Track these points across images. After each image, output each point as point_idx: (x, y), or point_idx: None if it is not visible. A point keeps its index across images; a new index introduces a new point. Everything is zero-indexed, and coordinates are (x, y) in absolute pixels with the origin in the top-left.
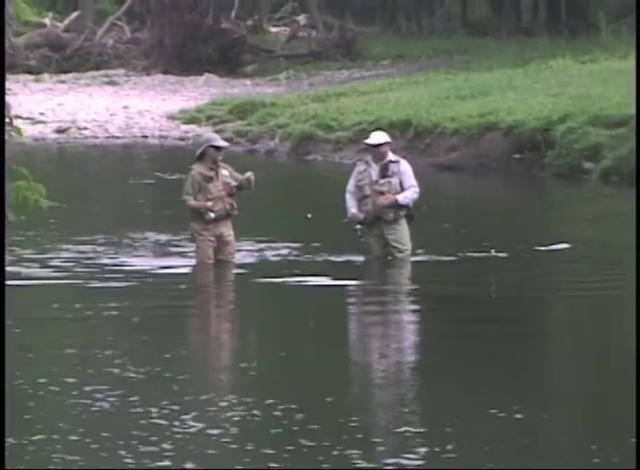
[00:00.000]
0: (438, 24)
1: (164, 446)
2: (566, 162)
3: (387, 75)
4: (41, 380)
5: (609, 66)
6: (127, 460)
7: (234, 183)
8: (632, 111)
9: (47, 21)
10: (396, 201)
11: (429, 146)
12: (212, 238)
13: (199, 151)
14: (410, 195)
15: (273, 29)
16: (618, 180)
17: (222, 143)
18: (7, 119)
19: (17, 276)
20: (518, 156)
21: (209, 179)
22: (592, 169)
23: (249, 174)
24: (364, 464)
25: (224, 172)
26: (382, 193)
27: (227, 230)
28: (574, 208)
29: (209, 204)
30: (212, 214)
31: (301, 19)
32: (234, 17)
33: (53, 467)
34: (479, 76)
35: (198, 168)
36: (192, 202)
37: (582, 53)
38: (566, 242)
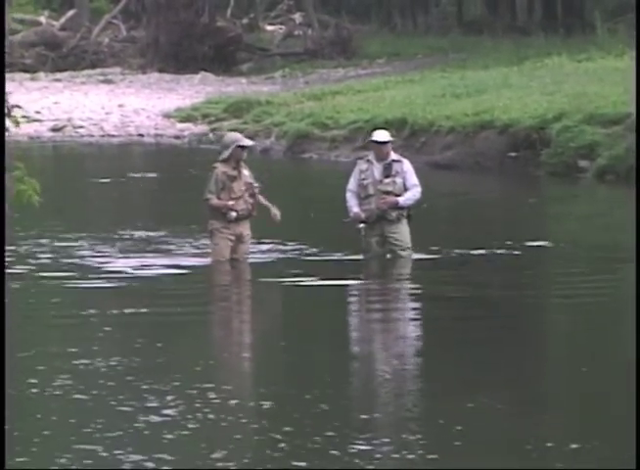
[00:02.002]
0: (434, 23)
1: (160, 443)
2: (561, 160)
3: (382, 74)
4: (32, 380)
5: (604, 64)
6: (125, 459)
7: (256, 184)
8: (628, 109)
9: (43, 19)
10: (397, 203)
11: (424, 144)
12: (232, 237)
13: (227, 152)
14: (412, 195)
15: (269, 28)
16: (614, 179)
17: (248, 142)
18: (5, 110)
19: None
20: (513, 154)
21: (233, 178)
22: (588, 168)
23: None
24: (357, 459)
25: (245, 172)
26: (386, 192)
27: (246, 230)
28: (570, 206)
29: (231, 203)
30: (234, 214)
31: (297, 17)
32: (229, 15)
33: (53, 467)
34: (474, 75)
35: (222, 168)
36: (215, 201)
37: (578, 51)
38: (548, 240)
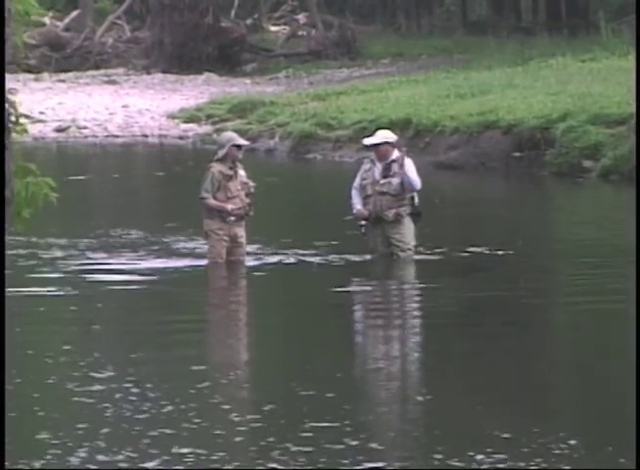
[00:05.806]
0: (438, 23)
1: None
2: (565, 160)
3: (386, 74)
4: (32, 380)
5: (609, 64)
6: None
7: (251, 183)
8: (632, 109)
9: (47, 20)
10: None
11: (428, 145)
12: (227, 237)
13: (222, 152)
14: (414, 182)
15: (273, 28)
16: (618, 179)
17: (243, 141)
18: (13, 119)
19: None
20: (517, 154)
21: (229, 178)
22: (592, 168)
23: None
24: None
25: (241, 172)
26: (382, 193)
27: (241, 231)
28: (574, 206)
29: (229, 206)
30: (233, 218)
31: (301, 17)
32: (233, 16)
33: (53, 467)
34: (478, 75)
35: (218, 167)
36: (212, 201)
37: (582, 52)
38: (552, 240)
